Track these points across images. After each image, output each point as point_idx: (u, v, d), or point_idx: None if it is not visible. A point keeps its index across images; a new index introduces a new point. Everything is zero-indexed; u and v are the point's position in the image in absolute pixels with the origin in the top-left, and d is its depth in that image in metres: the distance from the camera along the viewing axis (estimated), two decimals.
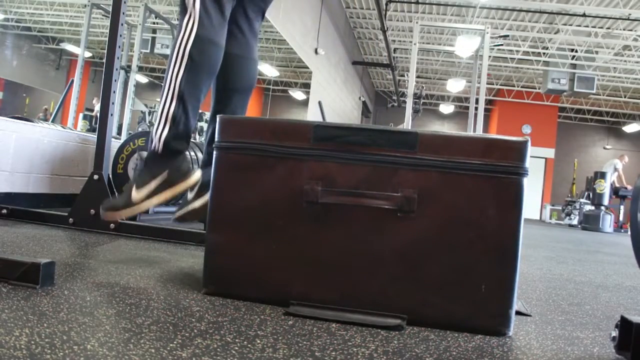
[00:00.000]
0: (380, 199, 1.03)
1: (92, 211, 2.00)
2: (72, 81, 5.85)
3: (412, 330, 0.97)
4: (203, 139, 2.00)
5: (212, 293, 1.09)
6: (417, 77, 13.38)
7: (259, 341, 0.81)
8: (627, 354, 0.87)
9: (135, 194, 1.27)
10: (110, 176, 2.14)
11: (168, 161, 1.30)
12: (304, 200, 1.05)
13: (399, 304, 1.01)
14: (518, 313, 1.19)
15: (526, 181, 1.00)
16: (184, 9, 1.36)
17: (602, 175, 8.93)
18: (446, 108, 14.92)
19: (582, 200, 10.37)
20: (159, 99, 1.36)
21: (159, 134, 1.31)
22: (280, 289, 1.05)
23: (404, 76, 13.12)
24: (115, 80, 2.06)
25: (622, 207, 9.73)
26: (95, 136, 2.06)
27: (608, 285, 1.87)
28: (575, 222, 10.32)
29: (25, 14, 13.04)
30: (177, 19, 1.40)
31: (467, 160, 1.01)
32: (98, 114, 2.08)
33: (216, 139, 1.11)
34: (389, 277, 1.02)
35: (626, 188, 9.49)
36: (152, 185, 1.27)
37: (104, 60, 2.05)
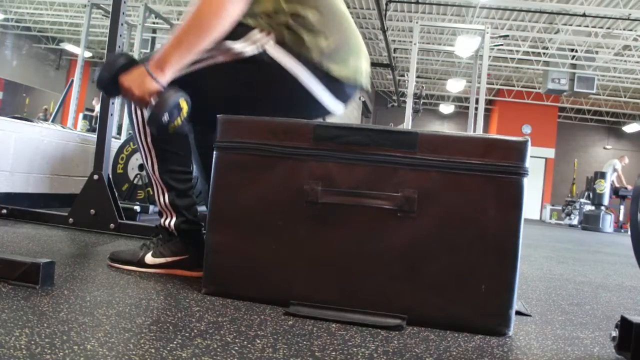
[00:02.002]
0: (380, 199, 1.03)
1: (92, 211, 2.00)
2: (72, 81, 5.85)
3: (412, 330, 0.97)
4: None
5: (212, 293, 1.09)
6: (417, 77, 13.38)
7: (259, 341, 0.81)
8: (627, 354, 0.87)
9: (149, 259, 1.29)
10: (110, 176, 2.14)
11: (189, 245, 1.31)
12: (304, 200, 1.05)
13: (399, 304, 1.01)
14: (518, 313, 1.19)
15: (526, 181, 1.00)
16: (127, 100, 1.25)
17: (602, 175, 8.92)
18: (446, 108, 14.91)
19: (582, 200, 10.36)
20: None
21: (168, 223, 1.32)
22: (280, 289, 1.05)
23: (404, 76, 13.10)
24: None
25: (622, 207, 9.72)
26: (95, 136, 2.06)
27: (608, 285, 1.87)
28: (575, 222, 10.31)
29: (25, 14, 13.05)
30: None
31: (467, 160, 1.01)
32: (98, 114, 2.07)
33: (216, 139, 1.11)
34: (389, 277, 1.02)
35: (626, 188, 9.49)
36: (169, 260, 1.29)
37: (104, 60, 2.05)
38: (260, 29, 1.19)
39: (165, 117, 1.10)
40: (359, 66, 1.28)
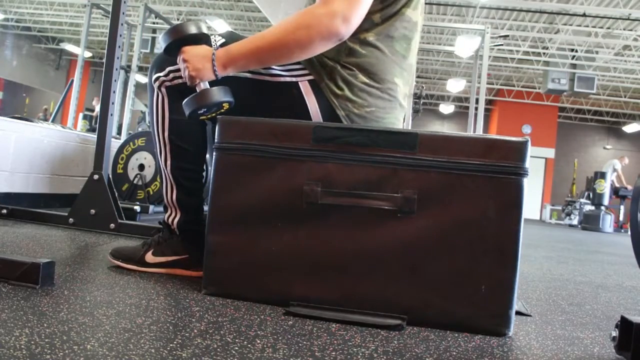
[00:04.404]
0: (380, 200, 1.03)
1: (92, 211, 2.00)
2: (72, 81, 5.85)
3: (412, 330, 0.97)
4: None
5: (212, 294, 1.09)
6: (417, 77, 13.38)
7: (259, 341, 0.81)
8: (627, 354, 0.87)
9: (150, 258, 1.29)
10: (110, 176, 2.14)
11: (190, 245, 1.31)
12: (303, 201, 1.05)
13: (399, 304, 1.01)
14: (518, 313, 1.19)
15: (526, 181, 1.00)
16: (151, 88, 1.29)
17: (602, 175, 8.92)
18: (446, 108, 14.92)
19: (582, 200, 10.36)
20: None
21: (171, 219, 1.32)
22: (280, 289, 1.05)
23: None
24: (115, 80, 2.06)
25: (622, 207, 9.72)
26: (95, 136, 2.06)
27: (608, 285, 1.87)
28: (575, 222, 10.31)
29: (25, 14, 13.05)
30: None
31: (467, 160, 1.01)
32: (98, 114, 2.07)
33: (216, 140, 1.11)
34: (389, 277, 1.02)
35: (626, 188, 9.49)
36: (170, 259, 1.30)
37: (104, 60, 2.05)
38: (305, 66, 1.19)
39: (202, 110, 1.12)
40: None
